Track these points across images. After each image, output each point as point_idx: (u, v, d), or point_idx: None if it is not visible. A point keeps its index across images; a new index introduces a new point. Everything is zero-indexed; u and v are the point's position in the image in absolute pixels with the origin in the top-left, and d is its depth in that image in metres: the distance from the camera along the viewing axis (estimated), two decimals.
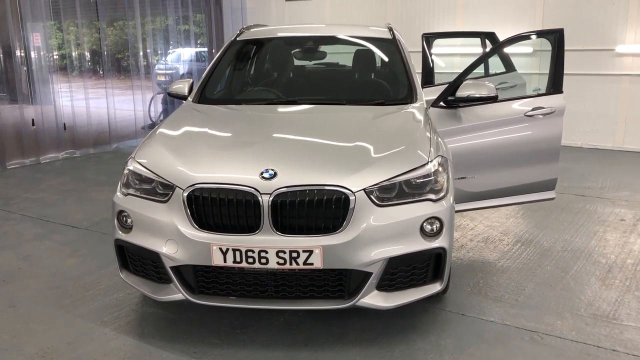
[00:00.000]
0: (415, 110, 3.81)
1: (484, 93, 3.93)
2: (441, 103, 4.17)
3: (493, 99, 3.98)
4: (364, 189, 2.86)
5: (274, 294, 2.97)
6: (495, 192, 4.27)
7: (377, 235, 2.86)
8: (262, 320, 3.33)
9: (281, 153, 3.17)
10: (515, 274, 4.03)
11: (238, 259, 2.84)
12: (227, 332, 3.23)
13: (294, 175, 2.89)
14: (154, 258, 3.02)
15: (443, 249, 2.98)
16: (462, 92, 3.97)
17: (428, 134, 3.38)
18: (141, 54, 10.02)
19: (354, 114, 3.87)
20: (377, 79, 4.63)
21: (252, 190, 2.82)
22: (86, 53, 10.18)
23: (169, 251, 2.92)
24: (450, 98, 4.11)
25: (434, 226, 2.96)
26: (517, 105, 4.29)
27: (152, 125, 9.88)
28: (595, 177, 6.88)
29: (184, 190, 2.90)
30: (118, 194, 3.21)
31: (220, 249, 2.84)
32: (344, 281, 2.92)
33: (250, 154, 3.19)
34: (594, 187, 6.40)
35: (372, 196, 2.88)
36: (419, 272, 3.02)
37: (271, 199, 2.80)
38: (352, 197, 2.82)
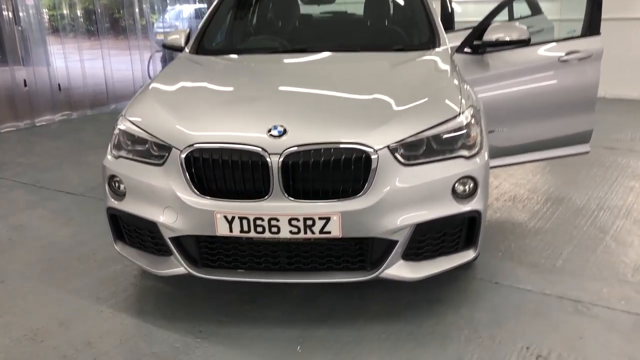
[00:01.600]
0: (439, 56, 3.40)
1: (514, 36, 3.51)
2: (466, 49, 3.75)
3: (525, 43, 3.56)
4: (387, 146, 2.49)
5: (287, 266, 2.63)
6: (526, 146, 3.89)
7: (403, 199, 2.50)
8: (274, 295, 3.00)
9: (291, 107, 2.79)
10: (549, 235, 3.68)
11: (245, 229, 2.50)
12: (236, 308, 2.91)
13: (307, 132, 2.52)
14: (151, 228, 2.69)
15: (477, 212, 2.63)
16: (490, 35, 3.55)
17: (456, 81, 2.98)
18: (137, 11, 9.57)
19: (370, 62, 3.46)
20: (395, 21, 4.19)
21: (259, 150, 2.46)
22: (79, 11, 9.72)
23: (167, 220, 2.59)
24: (476, 43, 3.69)
25: (467, 187, 2.60)
26: (549, 50, 3.86)
27: None
28: (623, 129, 6.47)
29: (181, 151, 2.54)
30: (108, 156, 2.87)
31: (225, 217, 2.49)
32: (365, 251, 2.58)
33: (255, 109, 2.80)
34: (624, 140, 5.99)
35: (396, 154, 2.50)
36: (450, 239, 2.68)
37: (281, 159, 2.44)
38: (373, 156, 2.45)
